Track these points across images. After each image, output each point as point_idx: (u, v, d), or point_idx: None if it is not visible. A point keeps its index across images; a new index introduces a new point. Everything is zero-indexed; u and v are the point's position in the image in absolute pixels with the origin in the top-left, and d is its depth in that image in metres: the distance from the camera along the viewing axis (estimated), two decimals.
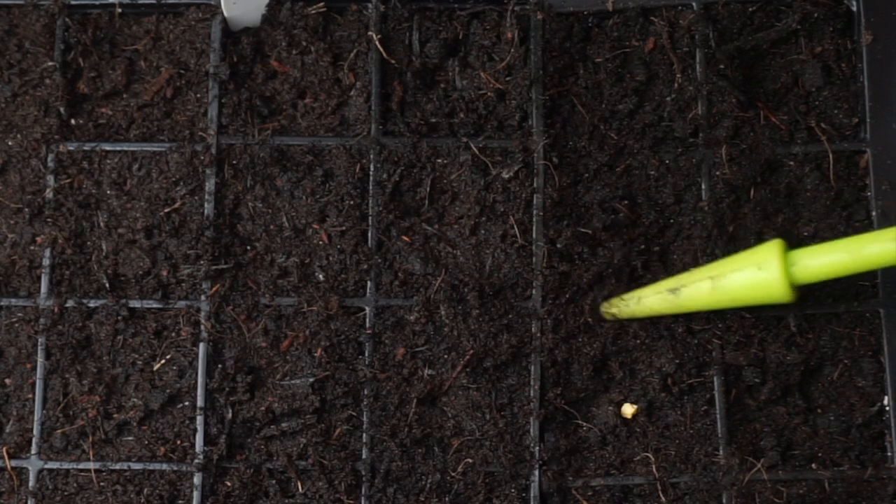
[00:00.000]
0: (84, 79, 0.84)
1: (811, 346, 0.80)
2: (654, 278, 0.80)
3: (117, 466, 0.79)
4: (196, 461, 0.78)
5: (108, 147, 0.83)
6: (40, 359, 0.80)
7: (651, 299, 0.78)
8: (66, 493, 0.79)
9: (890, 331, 0.80)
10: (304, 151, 0.82)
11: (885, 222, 0.81)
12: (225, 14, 0.83)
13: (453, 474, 0.79)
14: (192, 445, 0.79)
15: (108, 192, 0.82)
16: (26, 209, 0.82)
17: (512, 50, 0.83)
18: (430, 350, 0.80)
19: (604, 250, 0.81)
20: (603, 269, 0.80)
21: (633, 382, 0.80)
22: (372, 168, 0.82)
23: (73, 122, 0.83)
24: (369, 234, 0.81)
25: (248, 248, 0.82)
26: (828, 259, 0.73)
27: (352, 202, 0.81)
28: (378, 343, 0.80)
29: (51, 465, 0.79)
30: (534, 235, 0.81)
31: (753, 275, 0.75)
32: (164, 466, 0.79)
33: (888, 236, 0.72)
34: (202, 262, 0.80)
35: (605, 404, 0.80)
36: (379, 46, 0.83)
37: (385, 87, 0.83)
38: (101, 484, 0.79)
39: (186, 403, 0.80)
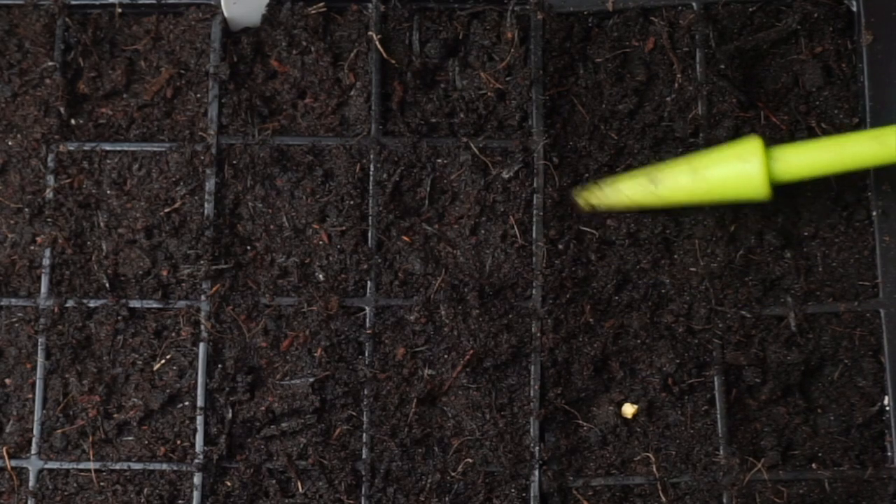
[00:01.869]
0: (84, 79, 0.84)
1: (811, 346, 0.80)
2: None
3: (117, 466, 0.79)
4: (196, 461, 0.78)
5: (108, 147, 0.83)
6: (40, 359, 0.80)
7: (628, 187, 0.77)
8: (66, 493, 0.79)
9: (890, 331, 0.80)
10: (304, 151, 0.82)
11: (885, 222, 0.81)
12: (225, 14, 0.83)
13: (453, 474, 0.79)
14: (192, 445, 0.79)
15: (108, 192, 0.82)
16: (26, 209, 0.82)
17: (512, 50, 0.83)
18: (430, 350, 0.80)
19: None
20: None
21: (634, 382, 0.80)
22: (372, 168, 0.82)
23: (73, 122, 0.83)
24: (369, 234, 0.81)
25: (248, 248, 0.82)
26: (809, 156, 0.73)
27: (352, 202, 0.81)
28: (378, 343, 0.80)
29: (51, 465, 0.79)
30: (534, 235, 0.81)
31: (734, 167, 0.74)
32: (164, 466, 0.79)
33: (870, 136, 0.71)
34: (202, 262, 0.80)
35: (606, 404, 0.80)
36: (379, 46, 0.83)
37: (385, 87, 0.83)
38: (101, 484, 0.79)
39: (186, 403, 0.80)
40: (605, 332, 0.80)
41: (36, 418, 0.79)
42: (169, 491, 0.79)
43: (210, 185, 0.81)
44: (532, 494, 0.78)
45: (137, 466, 0.79)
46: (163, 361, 0.80)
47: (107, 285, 0.81)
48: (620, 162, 0.83)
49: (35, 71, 0.84)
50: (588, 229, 0.81)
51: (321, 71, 0.84)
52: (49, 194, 0.82)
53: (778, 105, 0.84)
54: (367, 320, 0.80)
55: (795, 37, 0.85)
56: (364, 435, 0.79)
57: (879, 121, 0.82)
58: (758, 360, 0.80)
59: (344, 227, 0.81)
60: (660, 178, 0.76)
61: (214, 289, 0.80)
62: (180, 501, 0.79)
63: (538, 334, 0.80)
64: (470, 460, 0.79)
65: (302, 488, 0.78)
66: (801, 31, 0.84)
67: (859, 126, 0.83)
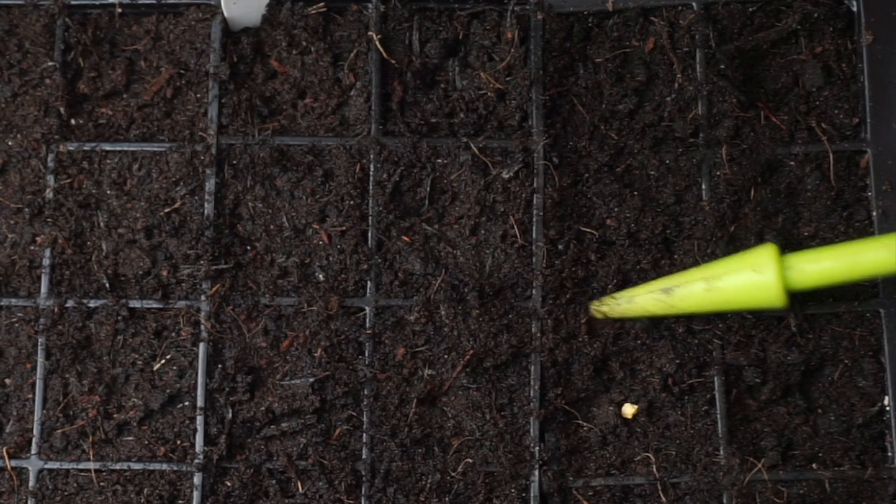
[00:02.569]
0: (84, 79, 0.84)
1: (811, 346, 0.80)
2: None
3: (117, 466, 0.79)
4: (196, 461, 0.78)
5: (108, 147, 0.83)
6: (40, 359, 0.80)
7: (643, 298, 0.78)
8: (66, 493, 0.79)
9: (890, 331, 0.80)
10: (304, 151, 0.82)
11: (885, 222, 0.81)
12: (225, 14, 0.83)
13: (453, 474, 0.79)
14: (192, 445, 0.79)
15: (108, 192, 0.82)
16: (26, 209, 0.82)
17: (512, 50, 0.83)
18: (430, 350, 0.80)
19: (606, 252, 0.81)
20: (600, 271, 0.80)
21: (634, 382, 0.80)
22: (372, 168, 0.82)
23: (73, 122, 0.83)
24: (369, 234, 0.81)
25: (248, 248, 0.82)
26: (824, 265, 0.73)
27: (352, 202, 0.81)
28: (378, 343, 0.80)
29: (51, 465, 0.79)
30: (534, 235, 0.81)
31: (748, 277, 0.74)
32: (164, 466, 0.79)
33: (885, 244, 0.71)
34: (202, 262, 0.80)
35: (606, 404, 0.80)
36: (379, 46, 0.83)
37: (385, 87, 0.83)
38: (101, 484, 0.79)
39: (186, 403, 0.80)
40: (605, 332, 0.80)
41: (36, 418, 0.79)
42: (169, 491, 0.79)
43: (210, 185, 0.81)
44: (532, 494, 0.78)
45: (137, 466, 0.79)
46: (163, 361, 0.80)
47: (107, 285, 0.81)
48: (620, 162, 0.83)
49: (35, 71, 0.84)
50: (588, 229, 0.81)
51: (321, 71, 0.84)
52: (49, 194, 0.82)
53: (778, 105, 0.84)
54: (367, 320, 0.80)
55: (795, 37, 0.85)
56: (364, 435, 0.79)
57: (880, 121, 0.82)
58: (758, 360, 0.80)
59: (344, 227, 0.81)
60: (674, 289, 0.76)
61: (214, 289, 0.80)
62: (180, 501, 0.79)
63: (538, 334, 0.80)
64: (470, 460, 0.79)
65: (302, 488, 0.78)
66: (801, 31, 0.84)
67: (859, 126, 0.83)
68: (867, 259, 0.72)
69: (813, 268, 0.73)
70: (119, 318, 0.80)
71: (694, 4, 0.84)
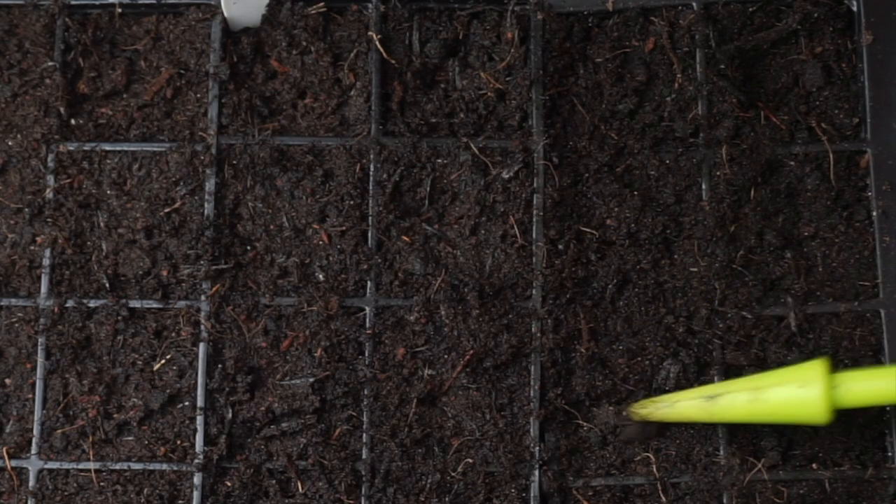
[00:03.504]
0: (84, 79, 0.84)
1: (811, 346, 0.80)
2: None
3: (117, 466, 0.79)
4: (196, 461, 0.78)
5: (108, 147, 0.83)
6: (40, 359, 0.80)
7: (685, 404, 0.76)
8: (66, 493, 0.79)
9: (890, 331, 0.80)
10: (304, 151, 0.82)
11: (885, 222, 0.81)
12: (225, 14, 0.83)
13: (453, 474, 0.78)
14: (192, 445, 0.79)
15: (108, 192, 0.82)
16: (26, 209, 0.82)
17: (512, 50, 0.83)
18: (430, 350, 0.80)
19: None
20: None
21: (634, 382, 0.80)
22: (372, 168, 0.82)
23: (73, 122, 0.83)
24: (369, 234, 0.81)
25: (248, 248, 0.82)
26: (873, 386, 0.72)
27: (352, 202, 0.81)
28: (378, 343, 0.80)
29: (51, 465, 0.79)
30: (534, 235, 0.81)
31: (795, 392, 0.73)
32: (164, 466, 0.79)
33: None
34: (202, 262, 0.80)
35: (606, 404, 0.80)
36: (379, 46, 0.83)
37: (385, 87, 0.83)
38: (101, 484, 0.79)
39: (186, 403, 0.80)
40: (605, 332, 0.80)
41: (36, 418, 0.79)
42: (169, 491, 0.79)
43: (210, 185, 0.81)
44: (532, 494, 0.78)
45: (137, 466, 0.79)
46: (163, 361, 0.80)
47: (107, 285, 0.81)
48: (620, 162, 0.82)
49: (35, 71, 0.84)
50: (588, 229, 0.81)
51: (321, 71, 0.84)
52: (49, 194, 0.82)
53: (778, 105, 0.84)
54: (367, 320, 0.80)
55: (795, 37, 0.85)
56: (364, 435, 0.79)
57: (880, 121, 0.82)
58: (758, 360, 0.80)
59: (344, 227, 0.81)
60: (718, 398, 0.75)
61: (214, 289, 0.80)
62: (180, 501, 0.79)
63: (538, 334, 0.80)
64: (470, 460, 0.79)
65: (302, 488, 0.78)
66: (801, 31, 0.84)
67: (859, 126, 0.83)
68: None
69: (861, 387, 0.72)
70: (119, 318, 0.80)
71: (694, 4, 0.84)
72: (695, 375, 0.80)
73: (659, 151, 0.83)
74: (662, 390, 0.80)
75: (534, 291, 0.80)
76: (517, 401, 0.80)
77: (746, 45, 0.84)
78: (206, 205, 0.81)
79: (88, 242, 0.82)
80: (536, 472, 0.78)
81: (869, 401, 0.73)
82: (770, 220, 0.82)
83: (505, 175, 0.82)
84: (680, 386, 0.79)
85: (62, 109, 0.83)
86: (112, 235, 0.82)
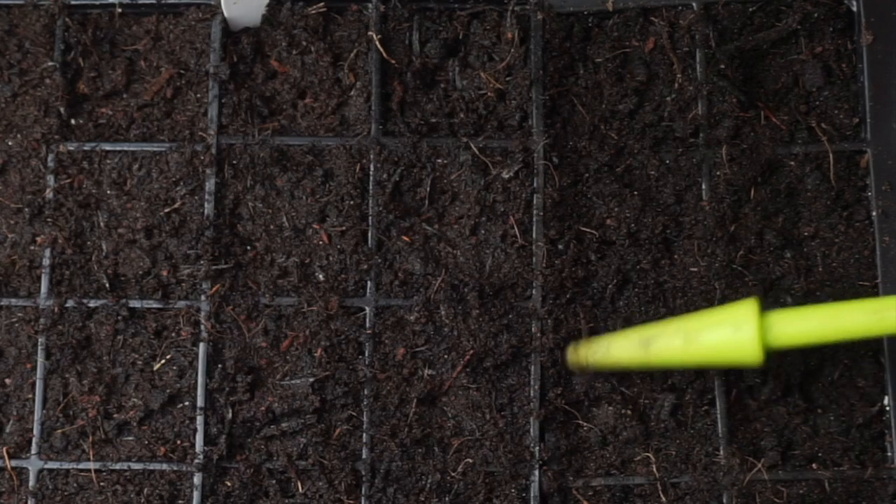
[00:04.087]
0: (84, 79, 0.84)
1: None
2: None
3: (117, 466, 0.79)
4: (196, 461, 0.78)
5: (108, 147, 0.83)
6: (40, 359, 0.80)
7: (620, 348, 0.75)
8: (66, 493, 0.79)
9: None
10: (304, 151, 0.82)
11: (885, 222, 0.81)
12: (225, 14, 0.83)
13: (453, 474, 0.79)
14: (192, 445, 0.79)
15: (108, 192, 0.82)
16: (26, 209, 0.82)
17: (512, 50, 0.83)
18: (430, 350, 0.80)
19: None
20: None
21: (634, 382, 0.80)
22: (372, 168, 0.82)
23: (73, 122, 0.83)
24: (369, 234, 0.81)
25: (248, 248, 0.82)
26: (804, 325, 0.71)
27: (352, 202, 0.81)
28: (378, 343, 0.80)
29: (51, 465, 0.79)
30: (534, 235, 0.81)
31: (728, 334, 0.72)
32: (164, 466, 0.79)
33: (869, 308, 0.70)
34: (202, 262, 0.80)
35: (606, 404, 0.80)
36: (379, 46, 0.83)
37: (385, 87, 0.83)
38: (101, 484, 0.79)
39: (186, 403, 0.80)
40: (606, 332, 0.80)
41: (36, 418, 0.79)
42: (169, 491, 0.79)
43: (210, 185, 0.81)
44: (532, 494, 0.78)
45: (137, 466, 0.79)
46: (163, 361, 0.80)
47: (107, 285, 0.81)
48: (620, 162, 0.83)
49: (35, 71, 0.84)
50: (588, 229, 0.81)
51: (321, 71, 0.84)
52: (49, 194, 0.82)
53: (778, 105, 0.84)
54: (367, 320, 0.80)
55: (795, 37, 0.85)
56: (364, 435, 0.79)
57: (880, 121, 0.82)
58: None
59: (344, 227, 0.81)
60: (652, 340, 0.74)
61: (214, 289, 0.80)
62: (180, 501, 0.79)
63: (538, 334, 0.80)
64: (470, 460, 0.79)
65: (302, 488, 0.78)
66: (801, 31, 0.84)
67: (859, 126, 0.83)
68: (849, 322, 0.70)
69: (793, 327, 0.71)
70: (119, 318, 0.80)
71: (694, 4, 0.84)
72: (695, 375, 0.80)
73: (659, 151, 0.83)
74: (663, 390, 0.80)
75: (534, 291, 0.80)
76: (517, 401, 0.80)
77: (746, 45, 0.84)
78: (206, 205, 0.81)
79: (88, 242, 0.82)
80: (536, 472, 0.78)
81: (801, 341, 0.71)
82: (770, 220, 0.82)
83: (505, 175, 0.82)
84: (680, 385, 0.79)
85: (62, 109, 0.83)
86: (112, 235, 0.82)
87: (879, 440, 0.80)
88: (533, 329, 0.80)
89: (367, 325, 0.80)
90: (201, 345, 0.80)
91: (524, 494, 0.78)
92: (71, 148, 0.82)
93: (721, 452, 0.79)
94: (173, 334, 0.80)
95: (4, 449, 0.79)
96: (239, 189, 0.82)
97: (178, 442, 0.79)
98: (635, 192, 0.82)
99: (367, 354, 0.80)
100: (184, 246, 0.81)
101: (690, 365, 0.75)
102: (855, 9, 0.84)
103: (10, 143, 0.83)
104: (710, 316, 0.74)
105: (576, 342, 0.78)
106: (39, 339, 0.80)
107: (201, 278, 0.80)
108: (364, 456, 0.79)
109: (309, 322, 0.80)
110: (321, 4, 0.84)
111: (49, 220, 0.81)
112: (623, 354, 0.75)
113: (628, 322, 0.80)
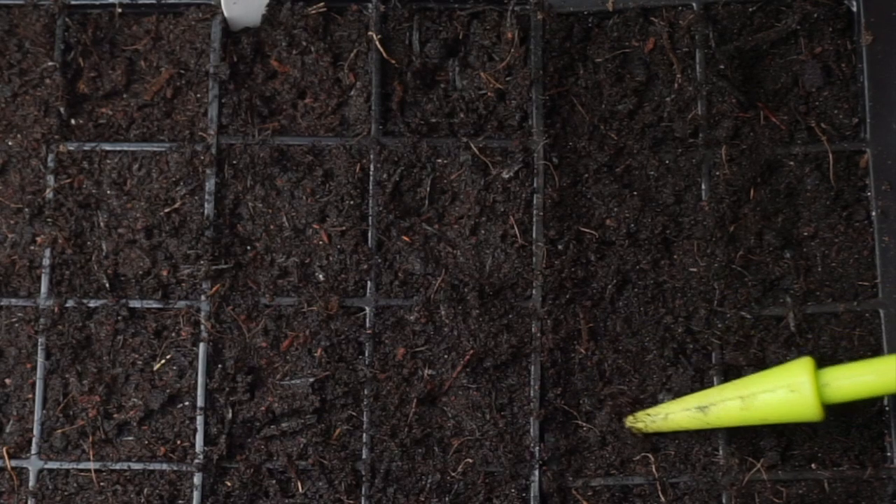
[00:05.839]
0: (84, 79, 0.84)
1: (811, 346, 0.80)
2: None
3: (117, 466, 0.79)
4: (196, 461, 0.78)
5: (108, 147, 0.83)
6: (40, 359, 0.80)
7: (678, 415, 0.77)
8: (66, 493, 0.79)
9: (889, 331, 0.80)
10: (304, 151, 0.82)
11: (885, 222, 0.81)
12: (225, 14, 0.83)
13: (453, 474, 0.79)
14: (192, 445, 0.79)
15: (108, 192, 0.82)
16: (26, 209, 0.82)
17: (512, 50, 0.83)
18: (430, 350, 0.80)
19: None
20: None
21: (634, 383, 0.80)
22: (372, 168, 0.82)
23: (73, 122, 0.83)
24: (369, 234, 0.81)
25: (248, 248, 0.82)
26: (861, 380, 0.72)
27: (352, 202, 0.81)
28: (378, 343, 0.80)
29: (51, 465, 0.79)
30: (534, 235, 0.81)
31: (785, 396, 0.73)
32: (164, 466, 0.79)
33: None
34: (202, 262, 0.80)
35: (606, 404, 0.80)
36: (379, 46, 0.83)
37: (385, 87, 0.83)
38: (101, 484, 0.79)
39: (186, 403, 0.80)
40: (605, 333, 0.80)
41: (36, 418, 0.79)
42: (169, 491, 0.79)
43: (210, 185, 0.81)
44: (532, 494, 0.78)
45: (137, 466, 0.79)
46: (163, 361, 0.80)
47: (107, 285, 0.81)
48: (620, 162, 0.83)
49: (35, 71, 0.84)
50: (588, 229, 0.81)
51: (321, 71, 0.84)
52: (49, 194, 0.82)
53: (778, 105, 0.84)
54: (367, 320, 0.80)
55: (795, 37, 0.85)
56: (364, 435, 0.79)
57: (879, 121, 0.82)
58: (757, 361, 0.80)
59: (344, 227, 0.81)
60: (710, 407, 0.75)
61: (214, 289, 0.80)
62: (180, 501, 0.79)
63: (538, 334, 0.80)
64: (470, 460, 0.79)
65: (302, 488, 0.78)
66: (800, 31, 0.84)
67: (859, 126, 0.83)
68: None
69: (849, 382, 0.72)
70: (119, 318, 0.80)
71: (694, 4, 0.84)
72: (694, 375, 0.80)
73: (658, 151, 0.83)
74: (663, 391, 0.80)
75: (534, 291, 0.80)
76: (517, 401, 0.80)
77: (746, 46, 0.84)
78: (206, 205, 0.81)
79: (88, 242, 0.82)
80: (536, 472, 0.78)
81: (858, 395, 0.73)
82: (770, 220, 0.82)
83: (505, 175, 0.82)
84: (679, 385, 0.80)
85: (62, 109, 0.83)
86: (112, 235, 0.82)
87: (879, 440, 0.80)
88: (533, 329, 0.80)
89: (367, 325, 0.80)
90: (201, 345, 0.80)
91: (524, 494, 0.78)
92: (71, 148, 0.82)
93: (720, 452, 0.79)
94: (173, 334, 0.80)
95: (4, 449, 0.79)
96: (239, 189, 0.82)
97: (178, 442, 0.79)
98: (635, 193, 0.82)
99: (367, 354, 0.80)
100: (184, 246, 0.81)
101: (750, 424, 0.76)
102: (855, 9, 0.84)
103: (10, 143, 0.83)
104: (767, 378, 0.74)
105: (633, 414, 0.79)
106: (39, 339, 0.80)
107: (201, 278, 0.80)
108: (364, 456, 0.79)
109: (309, 322, 0.80)
110: (321, 4, 0.84)
111: (49, 220, 0.81)
112: (682, 421, 0.77)
113: (628, 322, 0.80)
